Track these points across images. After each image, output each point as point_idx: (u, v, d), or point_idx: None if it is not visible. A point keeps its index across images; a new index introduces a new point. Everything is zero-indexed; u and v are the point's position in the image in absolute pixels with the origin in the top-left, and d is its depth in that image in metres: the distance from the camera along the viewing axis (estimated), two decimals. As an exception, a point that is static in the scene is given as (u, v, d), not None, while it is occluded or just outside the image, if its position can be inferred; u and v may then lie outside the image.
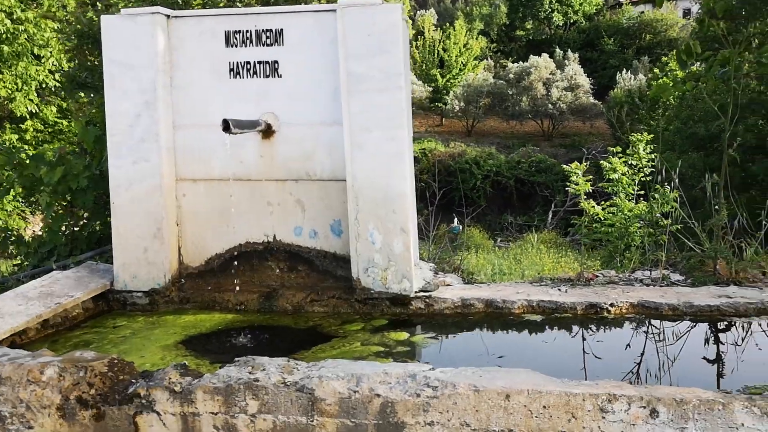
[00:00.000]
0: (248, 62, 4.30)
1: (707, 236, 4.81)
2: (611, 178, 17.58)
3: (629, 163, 17.06)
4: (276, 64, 4.28)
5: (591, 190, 17.88)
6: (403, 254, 4.18)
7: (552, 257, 16.06)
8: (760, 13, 19.07)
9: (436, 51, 38.93)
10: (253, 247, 4.43)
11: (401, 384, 2.90)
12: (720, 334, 3.78)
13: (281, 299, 4.29)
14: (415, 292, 4.24)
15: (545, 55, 35.56)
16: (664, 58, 29.45)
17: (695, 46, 4.65)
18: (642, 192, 17.09)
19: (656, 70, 29.97)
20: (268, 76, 4.29)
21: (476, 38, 40.44)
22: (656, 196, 17.12)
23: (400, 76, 4.07)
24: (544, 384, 2.83)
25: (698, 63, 5.44)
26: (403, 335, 3.83)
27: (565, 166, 19.09)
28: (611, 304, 4.04)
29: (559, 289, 4.34)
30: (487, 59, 40.94)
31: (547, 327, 3.99)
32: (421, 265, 4.67)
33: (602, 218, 17.25)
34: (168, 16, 4.33)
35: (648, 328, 3.90)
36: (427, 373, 2.97)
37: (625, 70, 33.94)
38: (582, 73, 34.98)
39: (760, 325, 3.81)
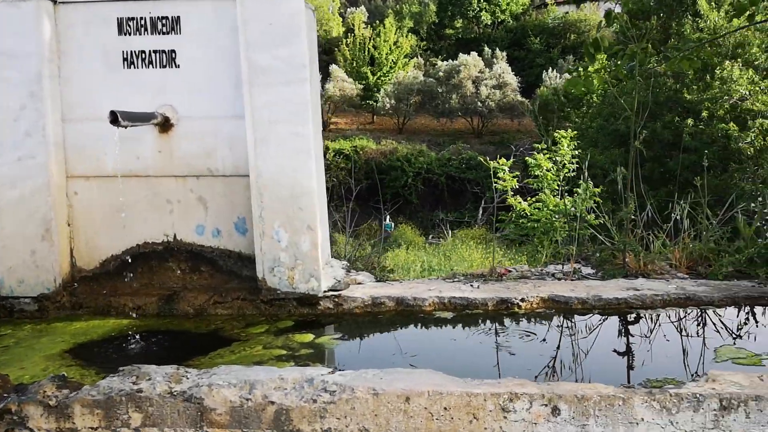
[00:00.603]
0: (143, 51, 4.05)
1: (617, 230, 4.82)
2: (536, 174, 17.87)
3: (554, 159, 17.36)
4: (173, 54, 4.05)
5: (518, 187, 18.15)
6: (310, 252, 4.02)
7: (480, 253, 16.20)
8: (675, 14, 19.68)
9: (367, 49, 38.85)
10: (152, 248, 4.19)
11: (297, 390, 2.74)
12: (628, 327, 3.77)
13: (182, 302, 4.06)
14: (325, 291, 4.09)
15: (474, 54, 35.91)
16: (587, 58, 30.11)
17: (602, 40, 4.63)
18: (567, 188, 17.43)
19: (570, 67, 30.66)
20: (164, 67, 4.05)
21: (406, 36, 40.54)
22: (579, 191, 17.49)
23: (305, 67, 3.91)
24: (445, 385, 2.72)
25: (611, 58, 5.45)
26: (309, 337, 3.67)
27: (492, 162, 19.28)
28: (522, 300, 3.98)
29: (472, 285, 4.26)
30: (417, 57, 41.08)
31: (457, 324, 3.89)
32: (332, 263, 4.52)
33: (528, 214, 17.53)
34: (55, 2, 4.05)
35: (558, 322, 3.86)
36: (325, 377, 2.82)
37: (551, 68, 34.58)
38: (510, 71, 35.46)
39: (668, 316, 3.81)
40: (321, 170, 4.36)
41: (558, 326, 3.82)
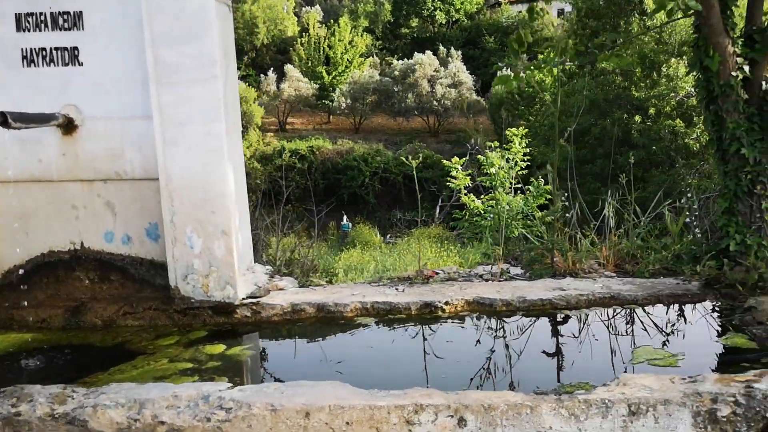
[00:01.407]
0: (44, 49, 3.82)
1: (546, 229, 4.73)
2: (489, 172, 17.87)
3: (507, 157, 17.38)
4: (76, 51, 3.83)
5: (471, 185, 18.14)
6: (225, 259, 3.84)
7: (434, 251, 16.11)
8: (624, 12, 19.88)
9: (322, 48, 38.62)
10: (57, 257, 3.96)
11: (191, 408, 2.57)
12: (552, 328, 3.68)
13: (90, 313, 3.85)
14: (243, 299, 3.91)
15: (429, 53, 35.97)
16: (540, 56, 30.35)
17: (525, 35, 4.55)
18: (519, 185, 17.46)
19: (532, 68, 30.80)
20: (67, 65, 3.83)
21: (361, 35, 40.42)
22: (530, 189, 17.49)
23: (215, 64, 3.72)
24: (348, 398, 2.58)
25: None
26: (219, 348, 3.49)
27: (445, 161, 19.28)
28: (446, 303, 3.85)
29: (397, 289, 4.13)
30: (372, 56, 40.99)
31: (379, 329, 3.75)
32: (255, 268, 4.35)
33: (482, 211, 17.50)
34: (-54, -3, 3.80)
35: (481, 325, 3.75)
36: (223, 393, 2.66)
37: (505, 68, 34.76)
38: (465, 70, 35.60)
39: (593, 316, 3.72)
40: (240, 172, 4.18)
41: (481, 329, 3.71)
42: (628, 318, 3.69)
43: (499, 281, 4.22)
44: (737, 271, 3.85)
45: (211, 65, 3.72)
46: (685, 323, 3.61)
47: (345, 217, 25.45)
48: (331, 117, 38.51)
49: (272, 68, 38.76)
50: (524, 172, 17.09)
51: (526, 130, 18.02)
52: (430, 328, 3.75)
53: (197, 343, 3.57)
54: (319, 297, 4.00)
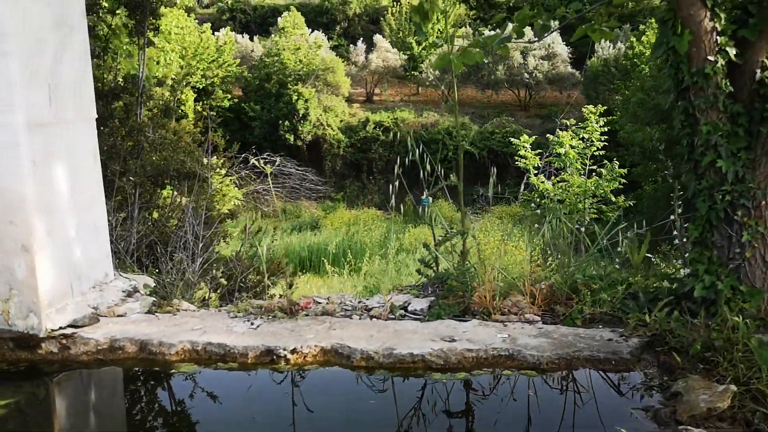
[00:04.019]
0: None
1: (460, 255, 3.71)
2: (558, 152, 16.47)
3: (582, 136, 15.93)
4: None
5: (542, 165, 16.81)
6: (27, 281, 3.11)
7: (500, 234, 15.00)
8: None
9: (412, 20, 37.47)
10: None
11: None
12: (403, 399, 2.72)
13: None
14: (54, 329, 3.18)
15: (521, 23, 34.09)
16: (642, 27, 28.07)
17: (432, 4, 3.52)
18: (595, 167, 15.99)
19: (633, 39, 28.69)
20: None
21: (455, 5, 38.91)
22: (603, 171, 15.96)
23: (5, 38, 2.96)
24: None
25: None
26: (-23, 400, 2.78)
27: (514, 139, 17.99)
28: (293, 350, 2.97)
29: (252, 323, 3.28)
30: (465, 27, 39.43)
31: (198, 383, 2.93)
32: (109, 286, 3.62)
33: (552, 194, 16.16)
34: None
35: (320, 384, 2.85)
36: None
37: (604, 39, 32.49)
38: (561, 41, 33.56)
39: (473, 386, 2.74)
40: (81, 170, 3.43)
41: (315, 391, 2.81)
42: (512, 392, 2.68)
43: (386, 320, 3.28)
44: (689, 331, 2.75)
45: (0, 39, 2.96)
46: (583, 408, 2.56)
47: (425, 192, 24.58)
48: (419, 88, 37.47)
49: (362, 38, 38.07)
50: (601, 152, 15.64)
51: (605, 107, 16.49)
52: (260, 383, 2.88)
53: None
54: (150, 331, 3.21)
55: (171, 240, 5.11)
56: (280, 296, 3.49)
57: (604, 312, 3.17)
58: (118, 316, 3.41)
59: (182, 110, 27.43)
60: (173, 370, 2.99)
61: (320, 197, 28.76)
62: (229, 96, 31.98)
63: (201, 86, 30.48)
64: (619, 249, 3.67)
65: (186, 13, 27.02)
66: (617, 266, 3.47)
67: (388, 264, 16.08)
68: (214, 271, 4.74)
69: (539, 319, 3.20)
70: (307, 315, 3.36)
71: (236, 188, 18.25)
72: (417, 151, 4.23)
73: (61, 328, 3.20)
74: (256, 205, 25.67)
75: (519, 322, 3.17)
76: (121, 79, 5.28)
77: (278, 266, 6.18)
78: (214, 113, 30.60)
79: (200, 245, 4.96)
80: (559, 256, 3.83)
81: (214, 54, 31.33)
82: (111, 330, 3.23)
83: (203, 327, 3.25)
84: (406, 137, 4.10)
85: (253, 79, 31.90)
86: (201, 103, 29.99)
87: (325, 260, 18.25)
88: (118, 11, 5.21)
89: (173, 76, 23.06)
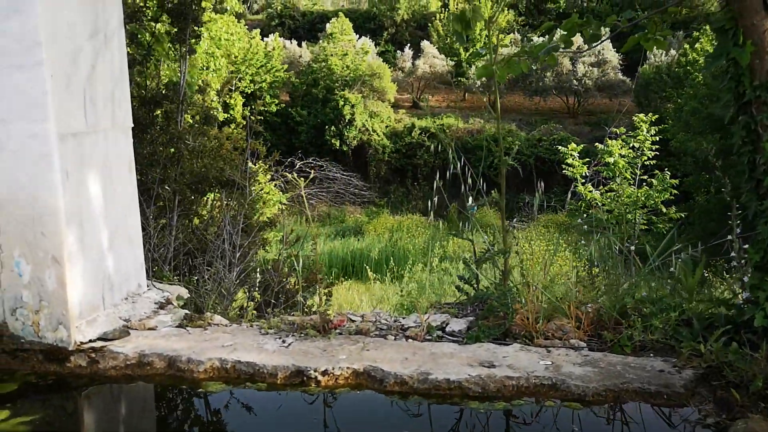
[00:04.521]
0: None
1: (501, 274, 3.54)
2: (607, 161, 16.08)
3: (632, 145, 15.52)
4: None
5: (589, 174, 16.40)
6: (57, 292, 3.06)
7: (545, 245, 14.81)
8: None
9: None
10: None
11: None
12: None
13: None
14: (83, 342, 3.12)
15: (572, 29, 33.54)
16: (695, 34, 27.31)
17: (474, 13, 3.37)
18: (645, 176, 15.56)
19: (686, 46, 27.97)
20: None
21: (503, 11, 38.56)
22: (654, 181, 15.50)
23: (39, 46, 2.92)
24: None
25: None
26: (3, 414, 2.72)
27: (561, 147, 17.61)
28: (324, 372, 2.85)
29: (283, 341, 3.17)
30: (513, 33, 39.02)
31: (228, 403, 2.83)
32: (141, 297, 3.56)
33: (600, 204, 15.77)
34: None
35: (344, 413, 2.71)
36: None
37: (657, 48, 31.73)
38: (611, 48, 32.94)
39: (514, 416, 2.58)
40: (112, 180, 3.38)
41: (346, 417, 2.68)
42: (555, 424, 2.51)
43: (422, 341, 3.14)
44: (749, 364, 2.54)
45: (35, 47, 2.92)
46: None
47: (471, 199, 24.37)
48: (466, 95, 37.21)
49: (409, 44, 38.02)
50: (652, 162, 15.21)
51: (656, 116, 16.04)
52: (288, 406, 2.77)
53: (-6, 403, 2.82)
54: (179, 346, 3.13)
55: (209, 249, 5.06)
56: (314, 312, 3.38)
57: (655, 339, 2.97)
58: (149, 329, 3.34)
59: (231, 114, 27.79)
60: (201, 389, 2.90)
61: (364, 202, 28.74)
62: (277, 101, 32.23)
63: (249, 91, 30.78)
64: (671, 269, 3.45)
65: (236, 20, 27.31)
66: (669, 289, 3.26)
67: (430, 272, 15.92)
68: (250, 281, 4.67)
69: (585, 345, 3.02)
70: (340, 333, 3.24)
71: (280, 193, 18.32)
72: (459, 164, 4.07)
73: (90, 341, 3.15)
74: (301, 210, 25.75)
75: (563, 347, 2.99)
76: (162, 87, 5.26)
77: (315, 276, 6.09)
78: (261, 118, 30.93)
79: (237, 254, 4.89)
80: (607, 276, 3.64)
81: (262, 59, 31.63)
82: (140, 344, 3.16)
83: (233, 344, 3.15)
84: (447, 147, 3.95)
85: (300, 85, 32.11)
86: (249, 107, 30.31)
87: (368, 266, 18.18)
88: (161, 18, 5.19)
89: (221, 82, 23.32)
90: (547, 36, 4.20)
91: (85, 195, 3.20)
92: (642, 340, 2.97)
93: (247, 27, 32.27)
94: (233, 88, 29.54)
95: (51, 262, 3.04)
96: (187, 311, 3.63)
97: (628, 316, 3.11)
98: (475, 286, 3.80)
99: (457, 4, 38.35)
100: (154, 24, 5.16)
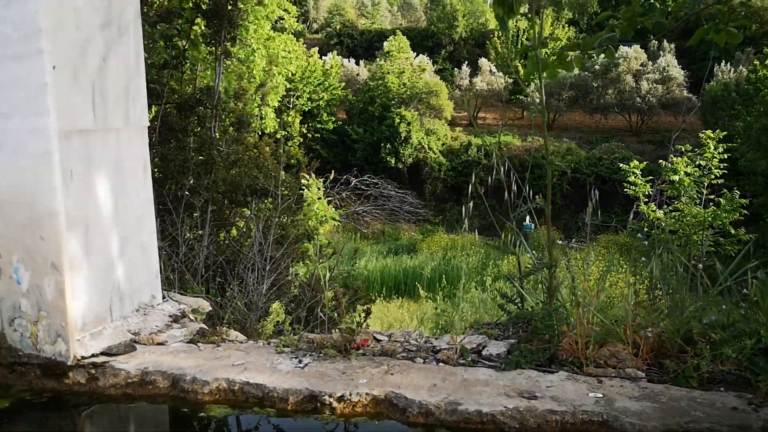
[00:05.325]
0: None
1: (546, 290, 3.13)
2: (671, 179, 15.37)
3: (698, 163, 14.79)
4: None
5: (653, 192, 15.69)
6: (56, 302, 2.81)
7: (600, 266, 14.23)
8: None
9: (520, 41, 36.77)
10: None
11: None
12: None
13: None
14: (86, 356, 2.87)
15: (636, 46, 32.65)
16: (766, 50, 26.18)
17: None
18: (712, 196, 14.78)
19: (756, 62, 26.83)
20: None
21: (564, 27, 37.91)
22: (722, 201, 14.72)
23: (40, 34, 2.69)
24: None
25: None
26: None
27: (622, 165, 16.97)
28: (340, 398, 2.51)
29: (299, 361, 2.84)
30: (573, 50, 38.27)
31: (227, 431, 2.52)
32: (155, 309, 3.30)
33: (664, 223, 15.04)
34: None
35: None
36: None
37: (724, 62, 30.61)
38: (676, 64, 31.93)
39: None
40: (101, 184, 3.13)
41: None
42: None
43: (454, 365, 2.77)
44: None
45: (35, 35, 2.69)
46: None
47: (528, 218, 23.83)
48: (524, 112, 36.65)
49: (467, 62, 37.72)
50: (720, 181, 14.45)
51: (725, 132, 15.29)
52: (297, 437, 2.44)
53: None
54: (186, 364, 2.84)
55: (240, 260, 4.80)
56: (340, 330, 3.05)
57: (726, 371, 2.53)
58: (158, 344, 3.07)
59: (288, 131, 27.96)
60: (203, 413, 2.59)
61: (419, 220, 28.42)
62: (334, 118, 32.31)
63: (307, 109, 30.95)
64: (745, 291, 3.00)
65: (295, 38, 27.44)
66: (743, 313, 2.81)
67: (483, 291, 15.44)
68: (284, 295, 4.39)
69: (643, 375, 2.60)
70: (363, 354, 2.90)
71: (333, 209, 18.14)
72: (503, 170, 3.70)
73: (93, 355, 2.89)
74: (356, 227, 25.59)
75: (618, 377, 2.58)
76: (197, 92, 5.05)
77: (356, 292, 5.77)
78: (318, 135, 30.99)
79: (268, 266, 4.61)
80: (670, 297, 3.20)
81: (320, 77, 31.81)
82: (145, 360, 2.88)
83: (245, 362, 2.84)
84: (497, 160, 3.59)
85: (357, 102, 32.16)
86: (306, 125, 30.46)
87: (419, 285, 17.79)
88: (197, 20, 5.00)
89: (278, 99, 23.45)
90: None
91: (92, 197, 2.96)
92: (711, 371, 2.54)
93: (306, 46, 32.56)
94: (291, 106, 29.77)
95: (50, 269, 2.80)
96: (202, 325, 3.35)
97: (695, 343, 2.68)
98: (519, 304, 3.41)
99: (516, 23, 37.95)
100: (189, 26, 4.96)
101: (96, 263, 2.98)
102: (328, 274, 4.90)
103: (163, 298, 3.50)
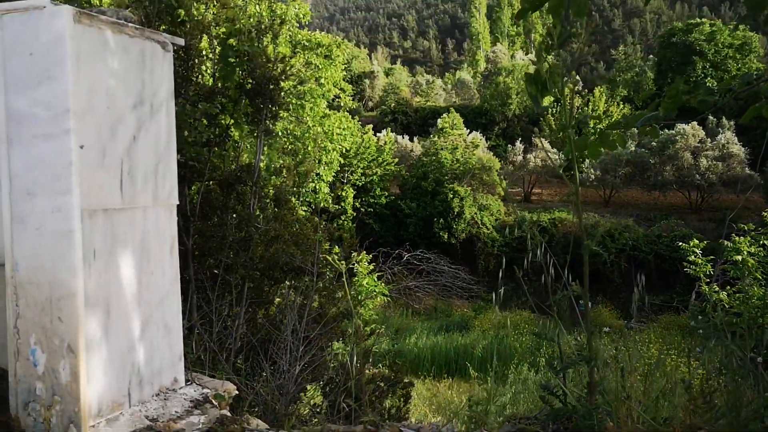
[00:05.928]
0: None
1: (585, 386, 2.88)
2: (734, 259, 14.79)
3: (763, 243, 14.25)
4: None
5: (714, 273, 15.12)
6: (70, 386, 2.71)
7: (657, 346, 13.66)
8: None
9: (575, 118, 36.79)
10: None
11: None
12: None
13: None
14: (98, 444, 2.74)
15: (694, 123, 32.23)
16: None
17: (550, 74, 2.85)
18: (781, 278, 14.14)
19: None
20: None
21: (618, 105, 37.78)
22: (787, 284, 14.10)
23: (67, 114, 2.69)
24: None
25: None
26: None
27: (682, 243, 16.40)
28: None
29: (319, 458, 2.66)
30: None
31: None
32: (176, 394, 3.17)
33: (728, 305, 14.42)
34: None
35: None
36: None
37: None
38: (736, 141, 31.29)
39: None
40: (125, 263, 3.06)
41: None
42: None
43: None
44: None
45: (63, 116, 2.69)
46: None
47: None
48: (579, 189, 36.21)
49: (520, 138, 37.83)
50: (789, 263, 13.85)
51: (793, 209, 14.75)
52: None
53: None
54: (200, 456, 2.68)
55: (273, 341, 4.67)
56: (363, 423, 2.85)
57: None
58: (175, 432, 2.93)
59: (342, 206, 28.22)
60: None
61: (472, 297, 27.96)
62: (387, 193, 32.52)
63: (360, 184, 31.27)
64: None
65: (350, 116, 28.02)
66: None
67: (536, 374, 14.88)
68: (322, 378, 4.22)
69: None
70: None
71: (383, 285, 18.00)
72: (540, 250, 3.51)
73: (109, 443, 2.76)
74: (407, 302, 25.30)
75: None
76: (238, 169, 5.05)
77: (396, 374, 5.55)
78: (371, 210, 31.20)
79: (301, 347, 4.46)
80: (727, 393, 2.91)
81: (374, 153, 32.21)
82: (159, 451, 2.74)
83: (262, 457, 2.67)
84: (534, 238, 3.42)
85: (410, 178, 32.35)
86: (360, 200, 30.73)
87: (469, 364, 17.29)
88: (239, 99, 5.04)
89: (332, 175, 23.81)
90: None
91: (114, 277, 2.89)
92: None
93: (361, 123, 33.18)
94: (345, 181, 30.17)
95: (66, 351, 2.71)
96: (224, 412, 3.19)
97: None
98: (563, 396, 3.16)
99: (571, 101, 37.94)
100: (233, 105, 5.01)
101: (115, 345, 2.89)
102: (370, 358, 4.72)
103: (187, 381, 3.37)
